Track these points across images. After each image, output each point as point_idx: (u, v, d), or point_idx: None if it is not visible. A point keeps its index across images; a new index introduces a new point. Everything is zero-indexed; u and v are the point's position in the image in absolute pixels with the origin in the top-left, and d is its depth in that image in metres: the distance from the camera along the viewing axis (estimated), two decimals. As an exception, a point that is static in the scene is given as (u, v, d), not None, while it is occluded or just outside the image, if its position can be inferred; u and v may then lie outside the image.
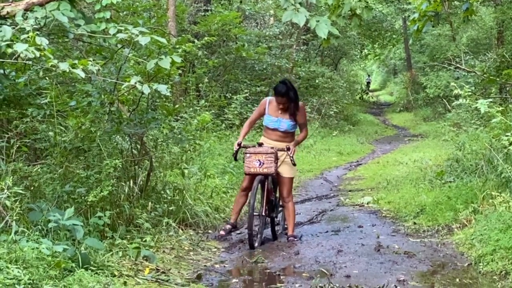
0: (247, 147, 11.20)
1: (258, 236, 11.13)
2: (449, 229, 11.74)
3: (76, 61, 8.03)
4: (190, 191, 12.06)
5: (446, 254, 10.39)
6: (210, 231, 11.76)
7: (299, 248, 10.75)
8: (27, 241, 7.81)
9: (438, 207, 12.65)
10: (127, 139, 11.13)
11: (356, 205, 14.90)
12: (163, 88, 8.34)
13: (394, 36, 57.59)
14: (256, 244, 10.86)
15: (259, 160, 10.86)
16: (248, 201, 11.05)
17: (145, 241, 9.72)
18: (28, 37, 7.73)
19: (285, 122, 11.15)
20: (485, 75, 20.27)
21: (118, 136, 10.91)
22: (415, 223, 12.52)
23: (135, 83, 8.24)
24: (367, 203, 14.80)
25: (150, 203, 10.73)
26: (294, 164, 11.30)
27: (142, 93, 9.35)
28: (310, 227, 12.54)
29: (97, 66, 8.17)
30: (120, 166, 10.19)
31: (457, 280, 9.00)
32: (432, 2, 12.47)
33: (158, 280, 8.64)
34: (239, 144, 11.22)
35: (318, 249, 10.71)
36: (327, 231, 12.05)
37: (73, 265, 7.90)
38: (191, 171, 12.60)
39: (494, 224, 10.03)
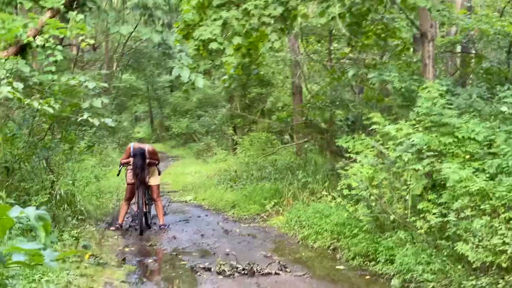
0: (127, 164, 10.17)
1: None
2: (261, 217, 11.10)
3: (41, 101, 6.65)
4: (81, 195, 10.51)
5: (276, 234, 9.93)
6: (99, 223, 10.34)
7: (174, 234, 9.78)
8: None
9: (246, 202, 11.98)
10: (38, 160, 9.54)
11: (183, 201, 13.98)
12: (109, 121, 7.14)
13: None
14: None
15: (136, 173, 9.77)
16: (136, 201, 9.94)
17: (72, 233, 8.25)
18: (7, 82, 6.26)
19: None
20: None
21: (34, 157, 9.27)
22: (233, 213, 11.72)
23: (87, 117, 6.92)
24: (190, 200, 13.96)
25: (65, 205, 9.20)
26: (159, 173, 10.53)
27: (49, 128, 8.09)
28: (165, 217, 11.20)
29: (57, 105, 6.78)
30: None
31: (303, 253, 8.36)
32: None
33: (99, 264, 7.36)
34: (121, 164, 10.20)
35: (186, 234, 9.87)
36: (180, 220, 11.18)
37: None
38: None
39: (309, 213, 9.46)
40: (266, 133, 17.89)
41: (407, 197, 7.24)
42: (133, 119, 40.36)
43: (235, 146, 20.70)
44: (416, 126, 7.38)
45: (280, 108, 19.20)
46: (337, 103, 13.24)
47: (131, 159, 10.03)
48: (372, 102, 11.93)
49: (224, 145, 23.41)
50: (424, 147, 7.06)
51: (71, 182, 10.61)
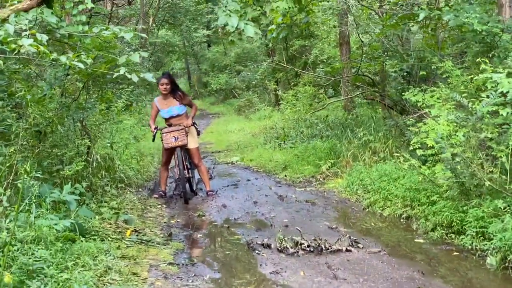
0: (162, 129, 9.14)
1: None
2: (317, 180, 9.92)
3: (70, 55, 5.62)
4: (120, 159, 9.52)
5: (337, 200, 8.69)
6: (140, 189, 9.35)
7: (223, 202, 8.67)
8: (36, 217, 5.29)
9: (299, 163, 10.83)
10: (72, 122, 8.51)
11: (229, 163, 12.84)
12: (149, 76, 6.03)
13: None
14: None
15: (174, 136, 8.97)
16: (177, 165, 8.94)
17: (111, 204, 7.27)
18: (28, 34, 5.19)
19: (174, 108, 9.19)
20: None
21: (68, 119, 8.25)
22: (285, 176, 10.54)
23: (124, 72, 5.83)
24: (236, 161, 12.80)
25: (103, 171, 8.19)
26: (198, 134, 9.48)
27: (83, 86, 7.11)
28: (211, 182, 10.20)
29: (90, 59, 5.69)
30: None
31: (372, 223, 7.18)
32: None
33: (143, 242, 6.37)
34: (155, 128, 9.09)
35: (237, 201, 8.75)
36: (228, 185, 10.04)
37: (73, 235, 5.49)
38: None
39: (373, 176, 8.27)
40: (310, 87, 16.66)
41: (503, 159, 6.01)
42: (170, 76, 39.16)
43: (279, 102, 19.52)
44: (515, 73, 6.09)
45: (325, 60, 17.88)
46: (389, 52, 11.95)
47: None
48: (430, 49, 10.62)
49: (266, 101, 22.22)
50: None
51: (109, 145, 9.64)
